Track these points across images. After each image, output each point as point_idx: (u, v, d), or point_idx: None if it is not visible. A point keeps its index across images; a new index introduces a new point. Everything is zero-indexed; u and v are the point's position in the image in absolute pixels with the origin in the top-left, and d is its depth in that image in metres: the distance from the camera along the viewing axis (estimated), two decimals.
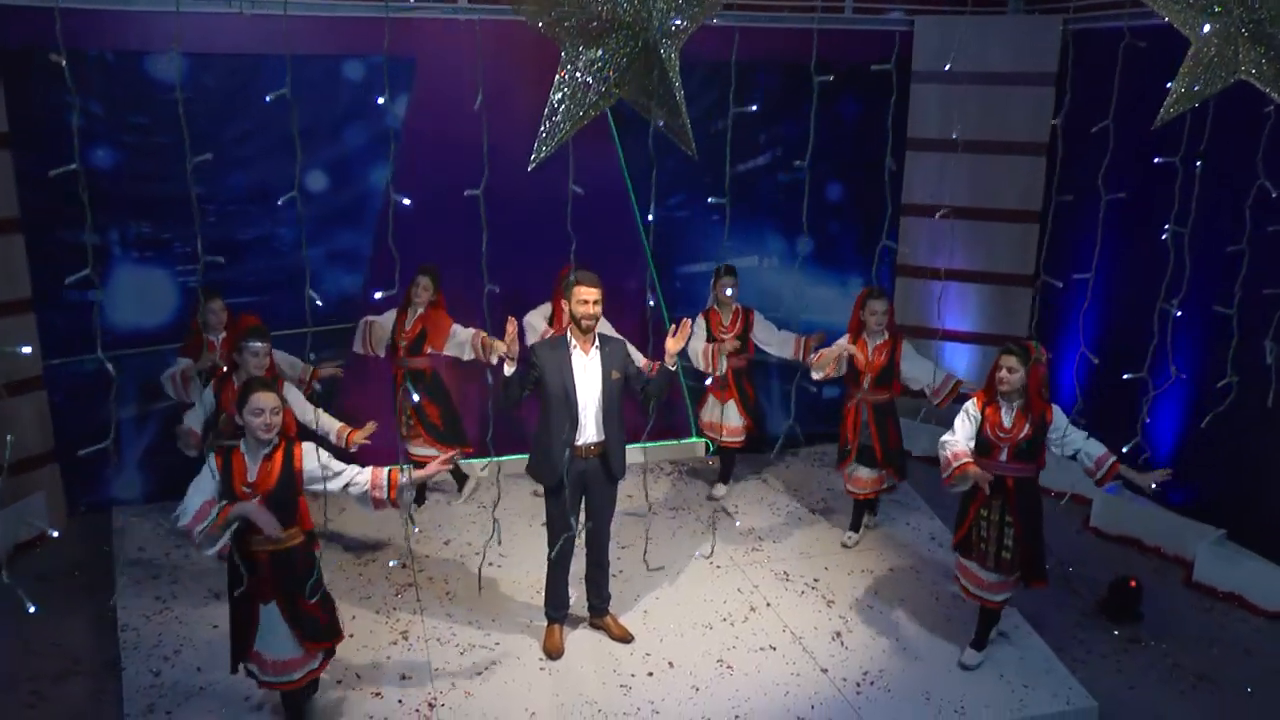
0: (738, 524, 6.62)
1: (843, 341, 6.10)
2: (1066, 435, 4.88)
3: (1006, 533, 4.92)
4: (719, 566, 6.04)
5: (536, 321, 6.55)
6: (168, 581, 5.75)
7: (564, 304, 6.32)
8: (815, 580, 5.92)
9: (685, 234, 7.60)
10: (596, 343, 4.93)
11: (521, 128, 6.94)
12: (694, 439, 7.82)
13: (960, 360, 7.89)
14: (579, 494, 5.01)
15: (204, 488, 4.08)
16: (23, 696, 4.90)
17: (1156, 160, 5.63)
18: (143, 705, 4.66)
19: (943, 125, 7.73)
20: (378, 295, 5.03)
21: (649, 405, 5.04)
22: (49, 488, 6.56)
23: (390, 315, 6.39)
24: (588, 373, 4.89)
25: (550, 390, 4.83)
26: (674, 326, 4.87)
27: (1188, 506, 6.57)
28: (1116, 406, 7.09)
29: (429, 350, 6.35)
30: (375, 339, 6.39)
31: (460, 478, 6.89)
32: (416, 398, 6.21)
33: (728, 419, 6.86)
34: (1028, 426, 4.81)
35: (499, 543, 4.77)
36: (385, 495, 4.30)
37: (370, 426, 5.33)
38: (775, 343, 6.84)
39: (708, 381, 6.84)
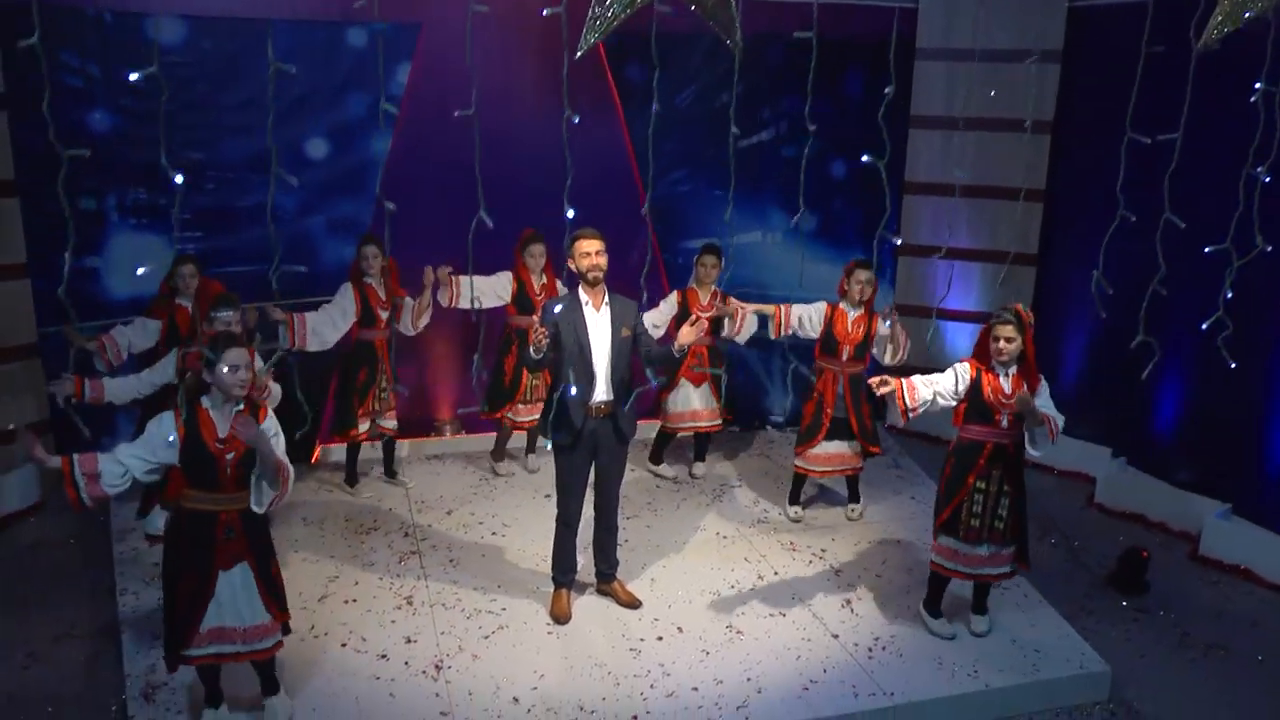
0: (738, 490, 6.59)
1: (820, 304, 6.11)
2: (1045, 406, 4.82)
3: (1002, 503, 4.85)
4: (725, 537, 5.99)
5: (502, 291, 6.48)
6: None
7: (526, 263, 6.30)
8: (822, 550, 5.87)
9: (688, 210, 7.54)
10: (606, 298, 4.88)
11: (525, 96, 6.95)
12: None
13: (962, 339, 7.85)
14: (590, 455, 4.94)
15: (140, 451, 3.86)
16: (19, 659, 4.80)
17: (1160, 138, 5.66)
18: (144, 666, 4.57)
19: (947, 103, 7.71)
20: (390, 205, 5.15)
21: (647, 371, 5.01)
22: None
23: (347, 290, 6.20)
24: (599, 328, 4.84)
25: (566, 347, 4.79)
26: (693, 316, 4.86)
27: (1193, 482, 6.56)
28: (1119, 379, 7.09)
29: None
30: (331, 331, 6.16)
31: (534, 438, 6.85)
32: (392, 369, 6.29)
33: (702, 403, 6.70)
34: (1025, 392, 4.78)
35: None
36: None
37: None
38: (746, 328, 6.72)
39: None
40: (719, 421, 6.80)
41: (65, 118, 6.15)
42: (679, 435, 6.89)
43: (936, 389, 4.87)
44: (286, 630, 4.24)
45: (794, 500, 6.34)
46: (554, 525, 5.16)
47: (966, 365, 4.89)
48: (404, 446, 7.00)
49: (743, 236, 7.76)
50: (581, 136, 7.05)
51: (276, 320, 5.89)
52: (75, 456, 3.80)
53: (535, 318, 4.78)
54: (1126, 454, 7.07)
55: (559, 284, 6.53)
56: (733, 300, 6.55)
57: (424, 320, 6.37)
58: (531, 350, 4.68)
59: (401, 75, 6.74)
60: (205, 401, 3.93)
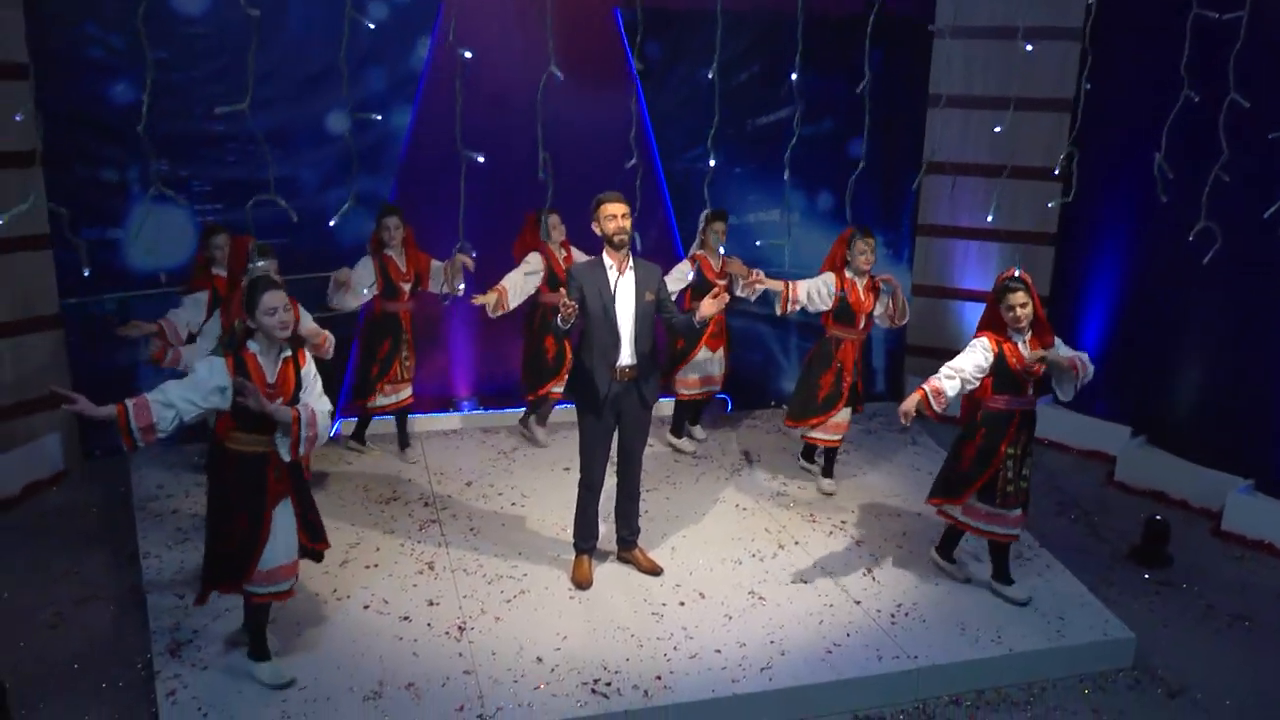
0: (755, 463, 6.64)
1: (829, 275, 6.00)
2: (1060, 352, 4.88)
3: (1027, 463, 4.92)
4: (744, 509, 5.98)
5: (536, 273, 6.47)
6: (187, 515, 5.66)
7: (550, 237, 6.31)
8: (843, 522, 5.85)
9: (706, 187, 7.51)
10: (631, 263, 4.88)
11: (542, 69, 6.95)
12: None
13: (970, 317, 7.82)
14: (614, 419, 4.95)
15: (188, 392, 3.86)
16: (45, 620, 4.83)
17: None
18: (168, 624, 4.58)
19: (965, 81, 7.69)
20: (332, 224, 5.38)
21: (670, 335, 5.02)
22: (64, 429, 6.47)
23: (366, 263, 6.22)
24: (624, 292, 4.84)
25: (592, 311, 4.79)
26: (716, 289, 4.84)
27: (1215, 459, 6.52)
28: (1138, 357, 7.07)
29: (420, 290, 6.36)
30: (350, 296, 6.13)
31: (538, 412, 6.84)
32: (414, 341, 6.36)
33: (717, 368, 6.75)
34: (1039, 350, 4.79)
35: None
36: (303, 417, 3.96)
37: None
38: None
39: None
40: (717, 389, 6.87)
41: (88, 89, 6.21)
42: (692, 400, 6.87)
43: (963, 377, 4.81)
44: (319, 559, 4.36)
45: (810, 458, 6.41)
46: (574, 496, 5.16)
47: (985, 340, 4.85)
48: (413, 421, 7.00)
49: (761, 215, 7.76)
50: (599, 113, 7.11)
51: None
52: (130, 406, 3.82)
53: (563, 290, 4.79)
54: (1146, 432, 7.03)
55: (575, 253, 6.54)
56: (738, 261, 6.55)
57: (459, 281, 6.28)
58: (560, 321, 4.68)
59: (422, 49, 6.76)
60: (252, 347, 3.96)
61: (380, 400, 6.37)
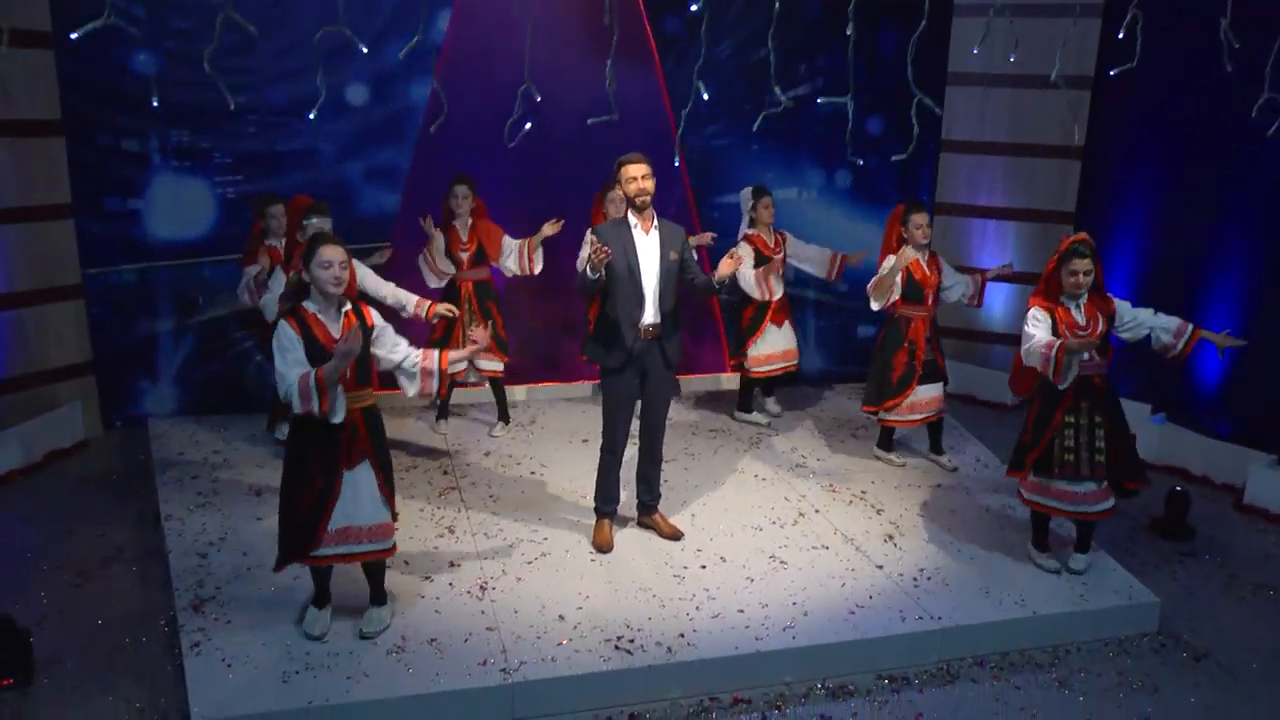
0: (773, 431, 6.68)
1: (894, 260, 5.87)
2: (1137, 317, 4.80)
3: (1097, 435, 4.75)
4: (763, 479, 5.97)
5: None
6: (208, 480, 5.68)
7: (606, 210, 6.30)
8: (862, 492, 5.83)
9: (723, 163, 7.52)
10: (655, 223, 4.87)
11: (567, 47, 6.96)
12: (726, 373, 7.74)
13: (998, 298, 7.81)
14: (638, 379, 4.94)
15: (295, 360, 3.85)
16: (68, 579, 4.84)
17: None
18: (191, 582, 4.59)
19: (984, 59, 7.65)
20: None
21: (691, 296, 5.07)
22: (85, 398, 6.50)
23: (439, 236, 6.23)
24: (648, 251, 4.83)
25: (616, 270, 4.77)
26: (732, 252, 4.80)
27: (1236, 436, 6.49)
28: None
29: (491, 263, 6.31)
30: (440, 263, 6.20)
31: (503, 411, 6.75)
32: (483, 311, 6.28)
33: (789, 343, 6.77)
34: (1101, 320, 4.71)
35: None
36: (436, 368, 4.18)
37: (449, 309, 5.32)
38: (810, 258, 6.81)
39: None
40: (796, 361, 6.86)
41: (109, 59, 6.23)
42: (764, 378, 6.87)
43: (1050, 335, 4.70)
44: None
45: (889, 448, 6.32)
46: (594, 467, 5.16)
47: (1037, 309, 4.74)
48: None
49: (779, 193, 7.73)
50: (618, 87, 7.10)
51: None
52: (312, 381, 3.81)
53: (590, 237, 4.76)
54: (1166, 410, 7.00)
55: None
56: (790, 238, 6.65)
57: (538, 260, 6.30)
58: (589, 270, 4.65)
59: (442, 22, 6.76)
60: (310, 306, 3.95)
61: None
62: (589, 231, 4.91)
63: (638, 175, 4.80)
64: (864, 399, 6.24)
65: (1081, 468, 4.76)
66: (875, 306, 5.95)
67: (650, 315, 4.85)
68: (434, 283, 6.25)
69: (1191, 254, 6.83)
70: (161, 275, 6.56)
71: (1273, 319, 6.32)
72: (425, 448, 6.25)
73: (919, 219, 5.91)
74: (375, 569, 4.27)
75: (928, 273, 5.96)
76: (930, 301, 5.99)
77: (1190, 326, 4.81)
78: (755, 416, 6.91)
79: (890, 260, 5.92)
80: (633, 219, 4.86)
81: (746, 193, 6.70)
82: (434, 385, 4.24)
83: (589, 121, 6.27)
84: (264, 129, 6.57)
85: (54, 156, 6.19)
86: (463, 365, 6.27)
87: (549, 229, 6.17)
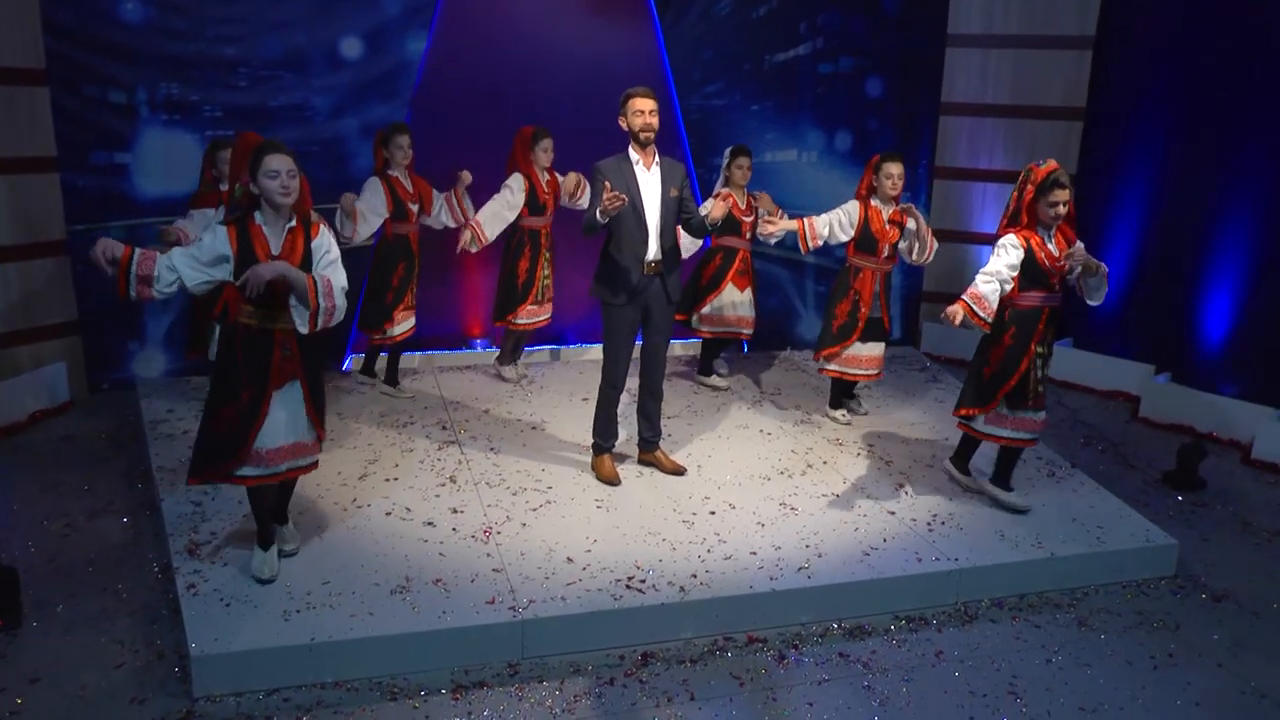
0: (775, 390, 6.49)
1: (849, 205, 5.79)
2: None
3: (1048, 362, 4.81)
4: (768, 433, 5.85)
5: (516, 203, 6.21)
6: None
7: (535, 159, 6.15)
8: (870, 445, 5.73)
9: (722, 123, 7.41)
10: (657, 158, 4.78)
11: (565, 2, 6.85)
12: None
13: (980, 259, 7.69)
14: (640, 314, 4.87)
15: (188, 256, 3.66)
16: (57, 528, 4.68)
17: None
18: (185, 528, 4.43)
19: (985, 19, 7.59)
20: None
21: (685, 232, 5.02)
22: (71, 360, 6.32)
23: (374, 186, 5.93)
24: (650, 187, 4.75)
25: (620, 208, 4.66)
26: (721, 192, 4.73)
27: (1241, 393, 6.44)
28: (1160, 297, 6.99)
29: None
30: (361, 224, 5.88)
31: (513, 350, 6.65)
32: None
33: (747, 309, 6.54)
34: (1079, 246, 4.70)
35: None
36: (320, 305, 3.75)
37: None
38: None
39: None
40: (748, 331, 6.64)
41: (96, 6, 6.06)
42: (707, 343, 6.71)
43: (1000, 279, 4.65)
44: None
45: (837, 405, 6.18)
46: (593, 415, 5.09)
47: (1013, 238, 4.68)
48: (414, 358, 6.89)
49: (778, 155, 7.65)
50: (615, 46, 7.00)
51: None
52: (136, 254, 3.62)
53: (586, 184, 4.62)
54: (1170, 370, 6.94)
55: (559, 178, 6.36)
56: (768, 198, 6.39)
57: (470, 208, 6.21)
58: (600, 216, 4.54)
59: None
60: (258, 217, 3.77)
61: (395, 330, 6.16)
62: (595, 167, 4.78)
63: (644, 109, 4.70)
64: (814, 346, 6.15)
65: (1042, 398, 4.79)
66: (803, 248, 5.82)
67: (654, 251, 4.78)
68: (364, 235, 5.94)
69: (1195, 214, 6.77)
70: (150, 232, 6.34)
71: (1276, 277, 6.27)
72: (421, 407, 6.09)
73: (890, 168, 5.71)
74: (288, 487, 4.15)
75: (886, 226, 5.77)
76: (884, 255, 5.79)
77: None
78: (714, 380, 6.70)
79: (850, 205, 5.80)
80: (635, 154, 4.77)
81: (729, 150, 6.51)
82: (320, 309, 3.74)
83: None
84: (255, 82, 6.39)
85: (38, 107, 6.00)
86: (411, 325, 6.19)
87: (466, 177, 6.14)
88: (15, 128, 5.91)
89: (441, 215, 6.23)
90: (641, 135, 4.71)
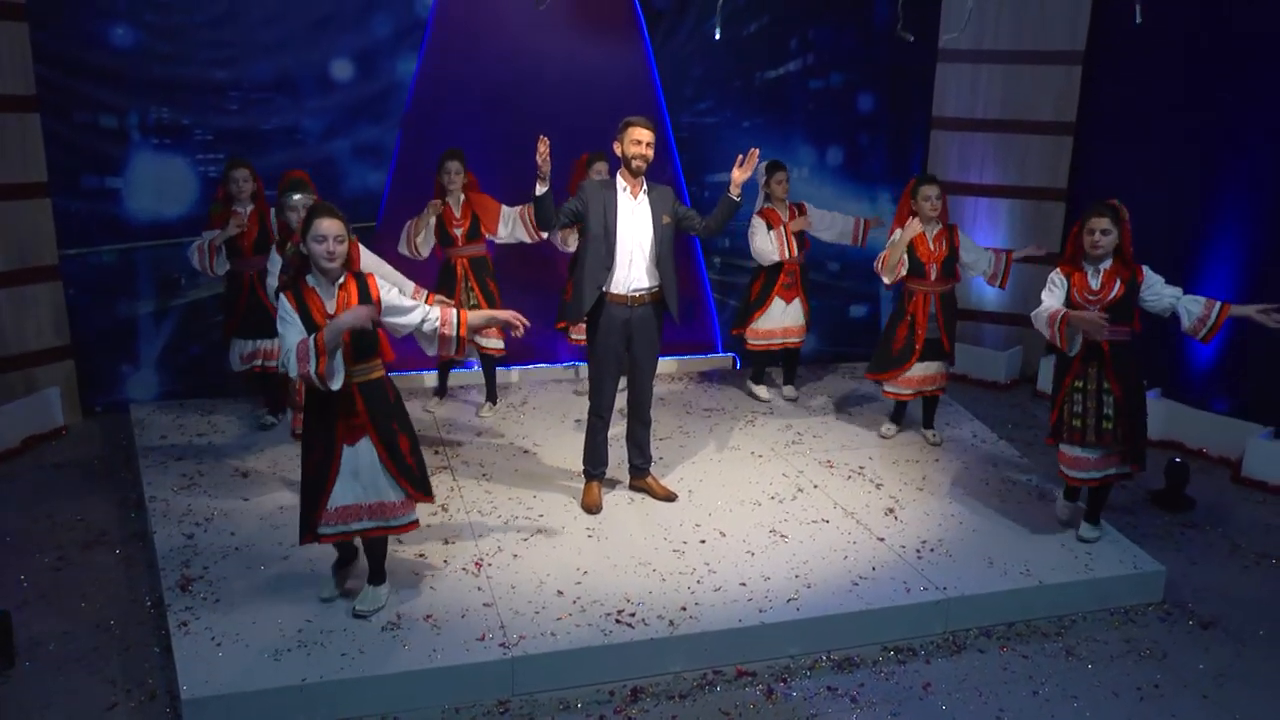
0: (768, 410, 6.62)
1: (900, 233, 5.76)
2: (1162, 291, 4.67)
3: (1106, 401, 4.67)
4: (760, 456, 5.88)
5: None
6: (193, 463, 5.53)
7: (586, 173, 6.18)
8: (861, 467, 5.76)
9: (714, 141, 7.42)
10: (645, 187, 4.80)
11: (555, 22, 6.84)
12: (721, 353, 7.65)
13: None
14: (624, 344, 4.90)
15: (294, 328, 3.76)
16: (49, 561, 4.70)
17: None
18: (177, 562, 4.45)
19: (975, 34, 7.60)
20: None
21: (717, 228, 5.00)
22: (64, 384, 6.33)
23: (436, 205, 6.05)
24: (636, 216, 4.78)
25: (591, 229, 4.75)
26: (740, 156, 4.74)
27: (1232, 410, 6.46)
28: (1151, 316, 6.99)
29: (486, 235, 6.15)
30: (419, 238, 6.04)
31: (491, 392, 6.63)
32: (481, 287, 6.11)
33: (794, 319, 6.64)
34: (1119, 286, 4.59)
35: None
36: (455, 333, 4.03)
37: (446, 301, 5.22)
38: (832, 227, 6.67)
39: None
40: (804, 337, 6.78)
41: (86, 32, 6.06)
42: (756, 355, 6.83)
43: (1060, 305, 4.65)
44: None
45: (898, 420, 6.29)
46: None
47: (1057, 272, 4.70)
48: (408, 377, 6.90)
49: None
50: (606, 64, 7.00)
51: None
52: (311, 344, 3.70)
53: (544, 146, 4.56)
54: (1161, 386, 6.96)
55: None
56: (810, 208, 6.58)
57: (530, 232, 6.17)
58: (537, 184, 4.55)
59: None
60: (310, 280, 3.83)
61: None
62: (580, 184, 4.88)
63: (642, 140, 4.73)
64: (868, 367, 6.22)
65: (1088, 434, 4.70)
66: (886, 281, 5.86)
67: (642, 281, 4.83)
68: (405, 251, 6.07)
69: (1185, 228, 6.78)
70: (142, 256, 6.41)
71: (1267, 292, 6.28)
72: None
73: (927, 190, 5.80)
74: (374, 546, 4.13)
75: (932, 248, 5.84)
76: (933, 276, 5.85)
77: (1220, 302, 4.63)
78: (759, 390, 6.82)
79: (897, 234, 5.83)
80: (622, 182, 4.81)
81: (761, 167, 6.58)
82: (452, 348, 4.18)
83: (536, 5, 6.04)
84: (246, 105, 6.41)
85: (29, 133, 6.01)
86: (490, 344, 6.23)
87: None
88: (6, 154, 5.93)
89: (516, 231, 6.17)
90: (634, 164, 4.74)
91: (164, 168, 6.34)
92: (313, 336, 3.68)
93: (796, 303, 6.64)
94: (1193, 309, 4.66)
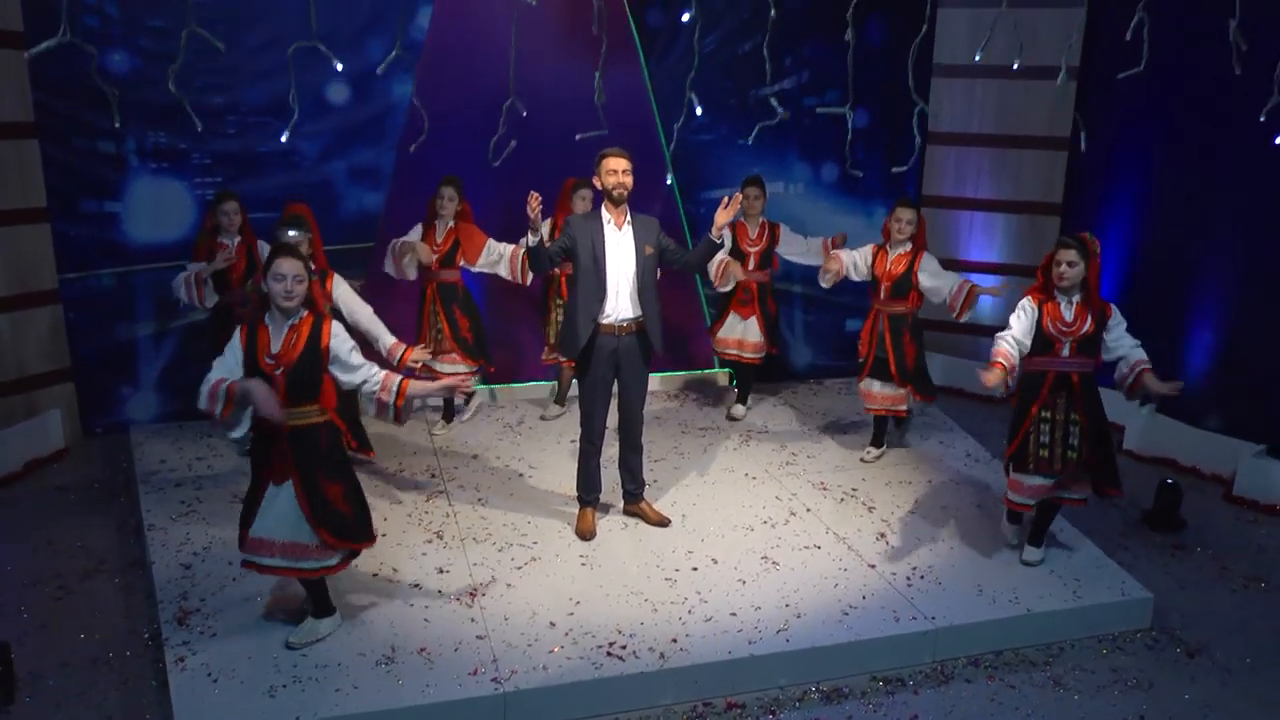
0: (763, 428, 6.64)
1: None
2: (1121, 337, 4.73)
3: (1072, 431, 4.72)
4: (753, 478, 5.92)
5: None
6: (191, 489, 5.59)
7: (574, 207, 6.23)
8: (853, 490, 5.80)
9: (710, 158, 7.45)
10: (629, 217, 4.85)
11: (552, 46, 6.86)
12: (717, 369, 7.69)
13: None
14: (612, 373, 4.96)
15: (225, 364, 3.89)
16: (50, 591, 4.76)
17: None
18: (175, 594, 4.51)
19: (970, 50, 7.60)
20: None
21: (696, 268, 5.17)
22: (64, 406, 6.39)
23: (417, 231, 6.20)
24: (620, 247, 4.84)
25: (581, 262, 4.81)
26: (725, 199, 4.79)
27: (1225, 426, 6.48)
28: (1145, 328, 7.01)
29: (461, 264, 6.18)
30: (404, 261, 6.09)
31: (449, 411, 6.65)
32: (446, 312, 6.14)
33: (749, 335, 6.75)
34: (1089, 320, 4.66)
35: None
36: (391, 400, 4.05)
37: (424, 352, 5.30)
38: (801, 251, 6.75)
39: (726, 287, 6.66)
40: (762, 355, 6.82)
41: (83, 58, 6.09)
42: (724, 364, 7.02)
43: (1015, 337, 4.70)
44: (351, 557, 4.23)
45: (874, 442, 6.33)
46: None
47: (1028, 300, 4.75)
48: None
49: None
50: (601, 84, 7.02)
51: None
52: (223, 389, 3.85)
53: (535, 201, 4.64)
54: (1154, 402, 6.98)
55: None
56: (784, 228, 6.72)
57: (518, 276, 6.18)
58: (529, 234, 4.66)
59: (423, 19, 6.66)
60: (267, 318, 3.90)
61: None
62: (565, 220, 4.95)
63: (618, 169, 4.78)
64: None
65: (1054, 463, 4.75)
66: (823, 283, 6.13)
67: (626, 311, 4.88)
68: (390, 271, 6.16)
69: (1178, 246, 6.81)
70: (141, 279, 6.46)
71: (1259, 311, 6.31)
72: (411, 450, 6.17)
73: (900, 213, 5.93)
74: (305, 583, 4.18)
75: (888, 267, 5.92)
76: (882, 296, 5.95)
77: (1143, 366, 4.71)
78: (736, 409, 6.93)
79: (865, 249, 6.10)
80: (606, 213, 4.86)
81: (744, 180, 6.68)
82: (389, 416, 4.12)
83: (577, 137, 6.28)
84: (243, 129, 6.46)
85: (28, 159, 6.06)
86: (447, 370, 6.17)
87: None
88: (6, 180, 5.98)
89: (498, 267, 6.19)
90: (614, 193, 4.79)
91: (162, 192, 6.40)
92: (227, 384, 3.79)
93: (753, 320, 6.71)
94: (1124, 366, 4.76)
